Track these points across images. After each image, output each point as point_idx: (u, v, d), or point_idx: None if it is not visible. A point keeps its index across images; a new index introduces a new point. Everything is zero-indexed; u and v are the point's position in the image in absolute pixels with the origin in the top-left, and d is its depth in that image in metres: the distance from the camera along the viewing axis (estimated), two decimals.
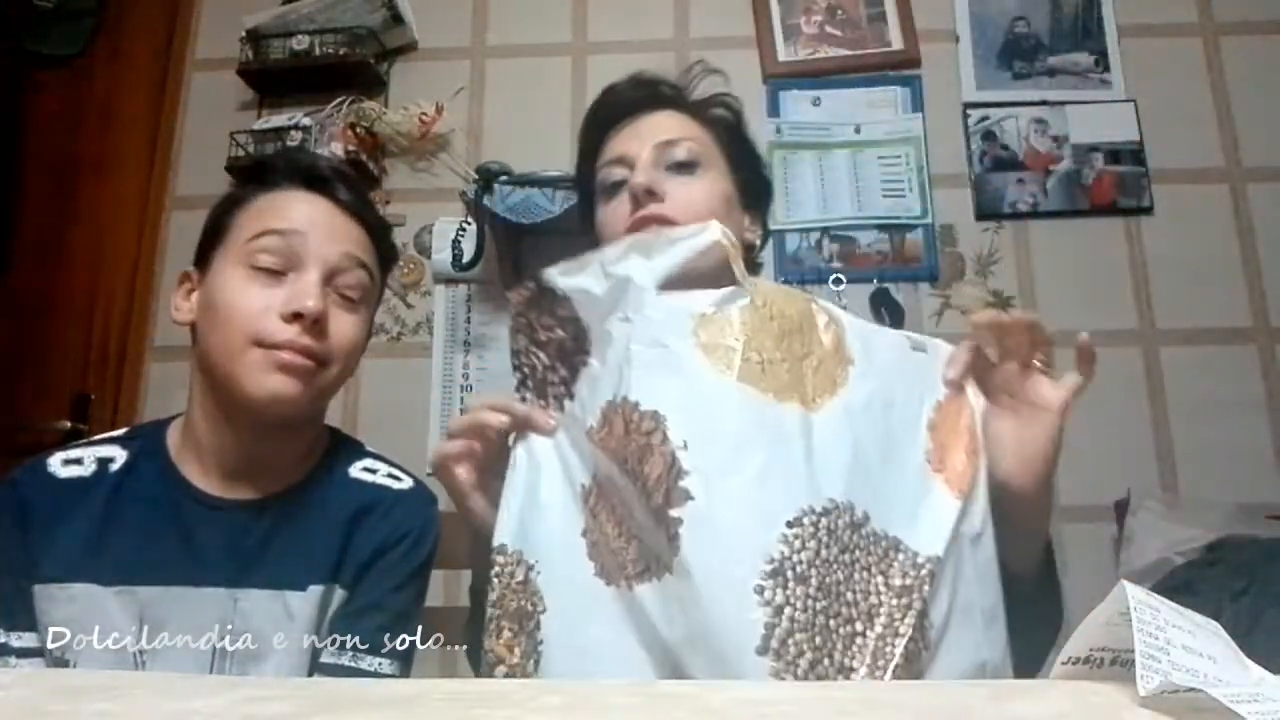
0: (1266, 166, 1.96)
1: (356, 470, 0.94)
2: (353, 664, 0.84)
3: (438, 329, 1.99)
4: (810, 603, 0.55)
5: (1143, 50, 2.03)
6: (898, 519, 0.62)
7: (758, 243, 0.99)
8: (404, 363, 1.98)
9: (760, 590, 0.55)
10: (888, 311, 1.91)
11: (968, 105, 2.03)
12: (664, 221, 0.84)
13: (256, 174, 0.92)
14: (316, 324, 0.84)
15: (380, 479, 0.94)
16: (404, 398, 1.95)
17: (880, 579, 0.59)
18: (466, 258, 1.82)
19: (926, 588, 0.59)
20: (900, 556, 0.60)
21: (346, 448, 0.97)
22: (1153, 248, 1.94)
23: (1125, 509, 1.71)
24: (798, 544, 0.56)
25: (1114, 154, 1.98)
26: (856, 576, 0.58)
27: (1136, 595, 0.44)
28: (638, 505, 0.61)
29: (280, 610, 0.85)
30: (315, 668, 0.84)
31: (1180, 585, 1.35)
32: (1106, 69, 2.03)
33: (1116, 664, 0.46)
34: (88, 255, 2.08)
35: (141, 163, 2.12)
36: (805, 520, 0.57)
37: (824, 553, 0.57)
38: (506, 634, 0.63)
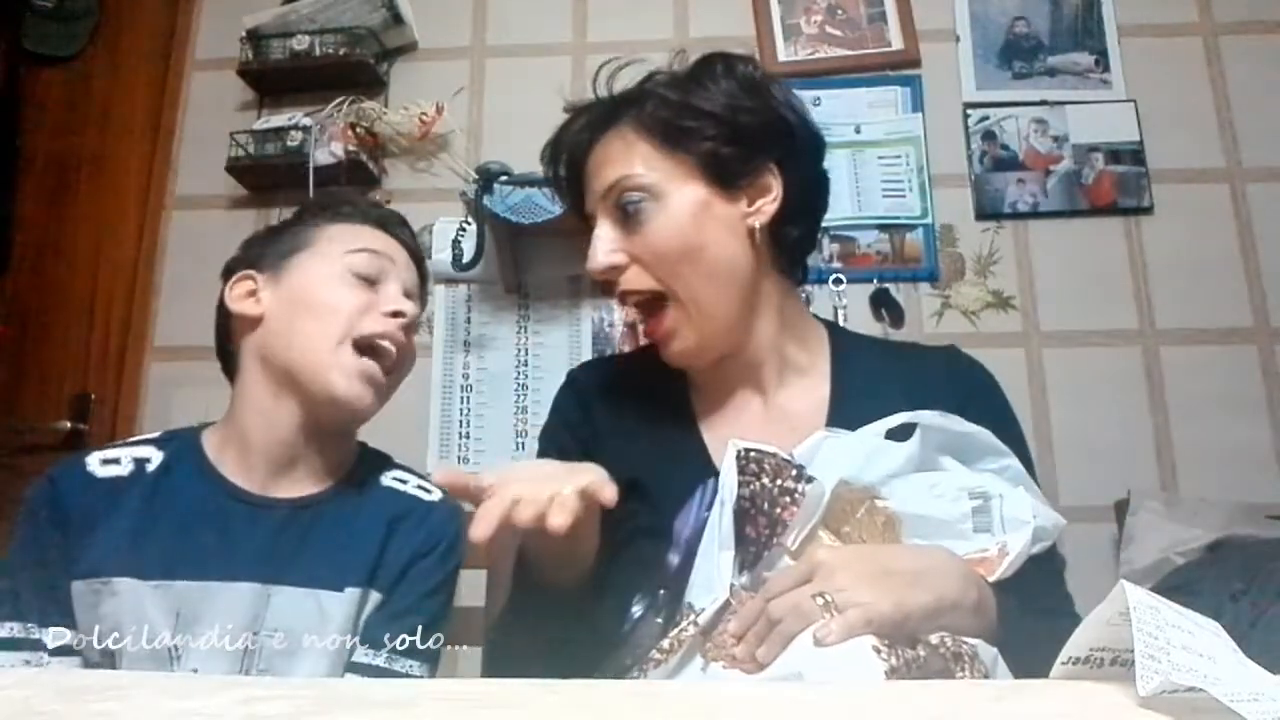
0: (1266, 166, 1.96)
1: (388, 480, 0.98)
2: (387, 665, 0.87)
3: (438, 329, 1.99)
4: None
5: (1143, 50, 2.03)
6: None
7: (773, 207, 0.84)
8: None
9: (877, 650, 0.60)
10: (888, 311, 1.91)
11: (968, 105, 2.03)
12: (636, 296, 0.84)
13: (332, 208, 1.01)
14: (408, 325, 0.94)
15: (411, 489, 0.98)
16: (404, 398, 1.90)
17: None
18: (466, 258, 1.82)
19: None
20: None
21: (377, 458, 1.02)
22: (1153, 248, 1.94)
23: (1125, 509, 1.71)
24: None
25: (1114, 154, 1.98)
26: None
27: (1136, 595, 0.44)
28: None
29: (313, 608, 0.87)
30: (349, 667, 0.87)
31: (1180, 585, 1.35)
32: (1106, 69, 2.03)
33: (1116, 664, 0.46)
34: (88, 255, 2.08)
35: (141, 163, 2.12)
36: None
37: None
38: None
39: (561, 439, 0.93)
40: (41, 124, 2.17)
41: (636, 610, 0.73)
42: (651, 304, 0.84)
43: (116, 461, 0.92)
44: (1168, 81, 2.01)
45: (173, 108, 2.14)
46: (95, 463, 0.91)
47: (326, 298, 0.91)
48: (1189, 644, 0.43)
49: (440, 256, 1.94)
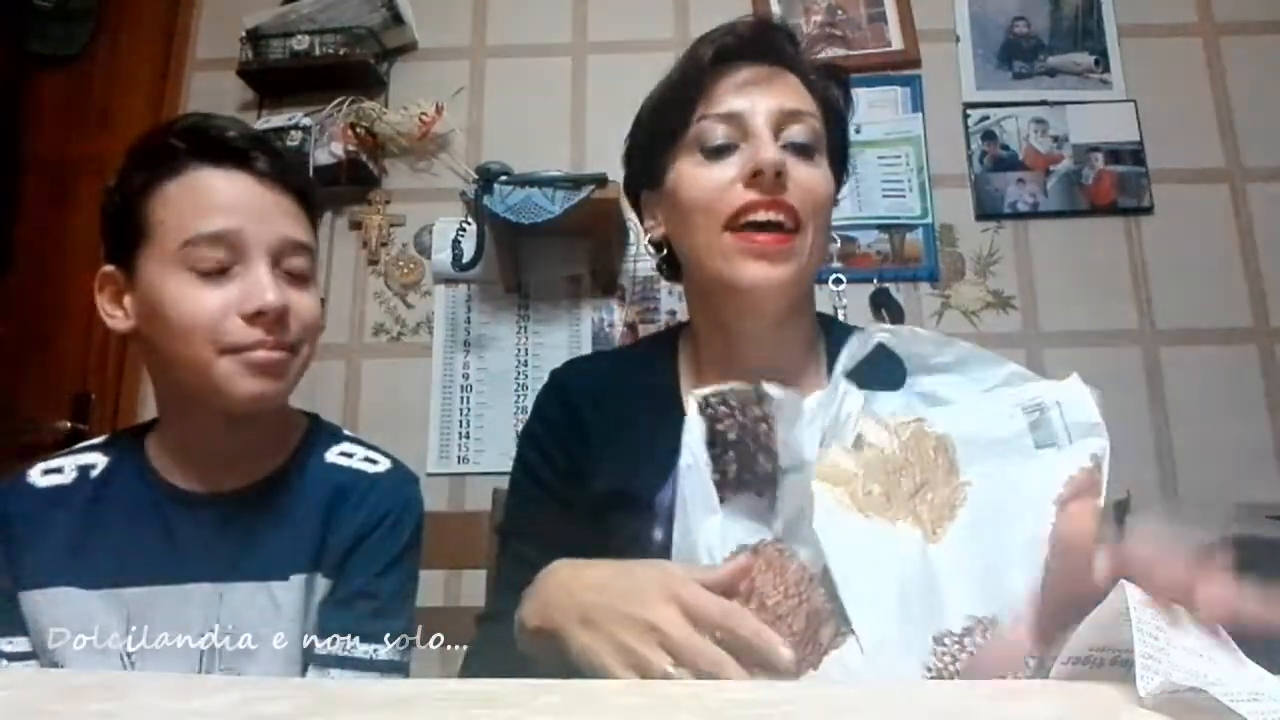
0: (1266, 166, 1.96)
1: (333, 455, 0.92)
2: (346, 653, 0.82)
3: (438, 329, 1.99)
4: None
5: (1143, 50, 2.03)
6: None
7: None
8: (404, 363, 1.98)
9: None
10: (888, 311, 1.91)
11: (968, 105, 2.03)
12: (786, 212, 0.78)
13: (159, 155, 0.84)
14: (280, 316, 0.81)
15: (356, 463, 0.91)
16: (404, 398, 1.95)
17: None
18: (466, 258, 1.82)
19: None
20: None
21: (325, 433, 0.95)
22: (1153, 248, 1.94)
23: (1125, 509, 1.70)
24: (948, 658, 0.58)
25: (1114, 154, 1.98)
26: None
27: (1136, 595, 0.44)
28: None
29: (266, 602, 0.83)
30: (310, 660, 0.83)
31: None
32: (1106, 69, 2.03)
33: (1116, 664, 0.46)
34: (88, 255, 2.07)
35: None
36: (948, 640, 0.59)
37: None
38: None
39: (544, 442, 0.90)
40: (42, 124, 2.17)
41: None
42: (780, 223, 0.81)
43: (59, 470, 0.88)
44: (1168, 81, 2.01)
45: (173, 108, 2.14)
46: (37, 474, 0.88)
47: (177, 314, 0.80)
48: (1189, 644, 0.43)
49: (440, 256, 1.94)
